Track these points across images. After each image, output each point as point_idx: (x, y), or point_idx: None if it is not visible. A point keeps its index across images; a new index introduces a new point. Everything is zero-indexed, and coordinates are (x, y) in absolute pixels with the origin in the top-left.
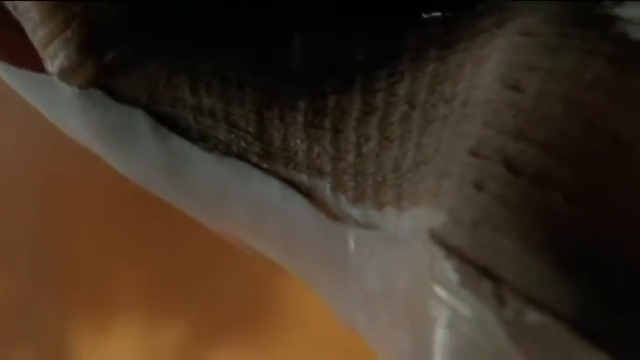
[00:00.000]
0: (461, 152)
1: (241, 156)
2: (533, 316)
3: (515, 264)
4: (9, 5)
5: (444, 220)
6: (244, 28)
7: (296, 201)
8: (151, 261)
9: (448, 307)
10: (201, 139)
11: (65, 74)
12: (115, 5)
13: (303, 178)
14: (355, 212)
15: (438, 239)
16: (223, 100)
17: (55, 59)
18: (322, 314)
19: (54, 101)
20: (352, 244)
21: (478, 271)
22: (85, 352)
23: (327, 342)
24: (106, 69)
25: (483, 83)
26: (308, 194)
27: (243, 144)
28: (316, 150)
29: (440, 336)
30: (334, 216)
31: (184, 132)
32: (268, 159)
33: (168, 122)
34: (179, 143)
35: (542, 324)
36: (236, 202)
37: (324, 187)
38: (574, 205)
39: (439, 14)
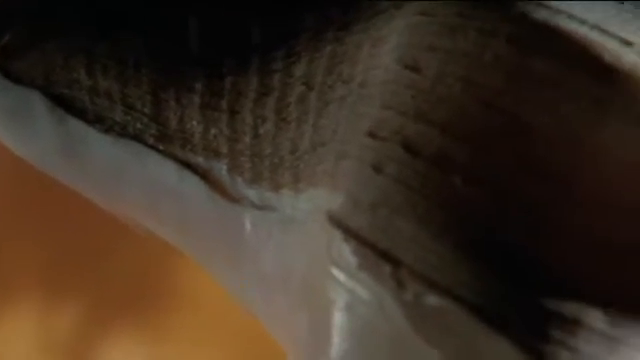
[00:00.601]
0: (359, 134)
1: (137, 138)
2: (432, 300)
3: (414, 247)
4: None
5: (342, 202)
6: (140, 10)
7: (192, 183)
8: (46, 243)
9: (346, 290)
10: (97, 121)
11: None
12: None
13: (199, 160)
14: (252, 194)
15: (336, 221)
16: (119, 82)
17: None
18: (217, 295)
19: None
20: (248, 226)
21: (377, 254)
22: None
23: (222, 323)
24: (2, 51)
25: (381, 64)
26: (204, 176)
27: (139, 126)
28: (213, 132)
29: (338, 319)
30: (230, 198)
31: (80, 114)
32: (164, 141)
33: (64, 104)
34: (75, 125)
35: (441, 308)
36: (132, 184)
37: (220, 169)
38: (473, 187)
39: None
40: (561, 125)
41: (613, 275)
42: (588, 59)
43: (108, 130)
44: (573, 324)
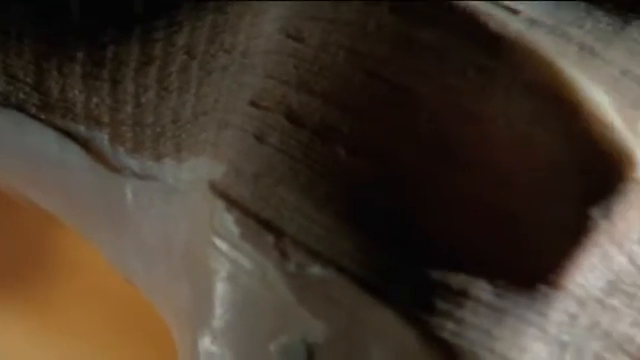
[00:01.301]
0: (241, 103)
1: (19, 107)
2: (316, 270)
3: (297, 217)
4: None
5: (225, 172)
6: None
7: (73, 152)
8: None
9: (229, 260)
10: None
11: None
12: None
13: (81, 129)
14: (133, 163)
15: (218, 191)
16: (2, 52)
17: None
18: (97, 265)
19: None
20: (130, 196)
21: (259, 224)
22: None
23: (102, 293)
24: None
25: (264, 33)
26: (86, 145)
27: (22, 95)
28: (94, 101)
29: (220, 289)
30: (112, 167)
31: None
32: (46, 110)
33: None
34: None
35: (325, 279)
36: (13, 153)
37: (102, 138)
38: (357, 157)
39: None
40: (446, 95)
41: (499, 245)
42: (473, 28)
43: None
44: (459, 295)
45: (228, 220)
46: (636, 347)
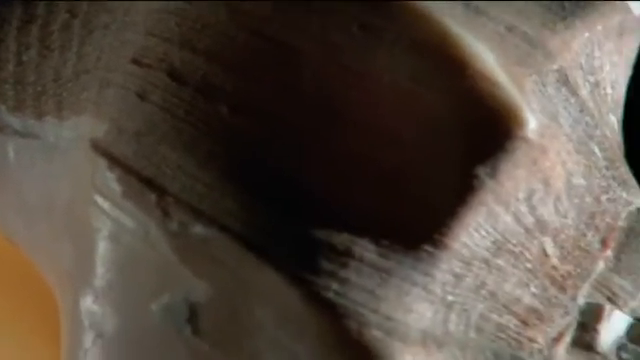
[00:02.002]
0: (123, 61)
1: None
2: (198, 229)
3: (180, 175)
4: None
5: (107, 130)
6: None
7: None
8: None
9: (111, 218)
10: None
11: None
12: None
13: None
14: (15, 121)
15: (100, 149)
16: None
17: None
18: None
19: None
20: (12, 154)
21: (142, 182)
22: None
23: None
24: None
25: None
26: None
27: None
28: None
29: (102, 248)
30: None
31: None
32: None
33: None
34: None
35: (207, 238)
36: None
37: None
38: (240, 115)
39: None
40: (329, 53)
41: (383, 205)
42: None
43: None
44: (343, 255)
45: (110, 178)
46: (523, 308)
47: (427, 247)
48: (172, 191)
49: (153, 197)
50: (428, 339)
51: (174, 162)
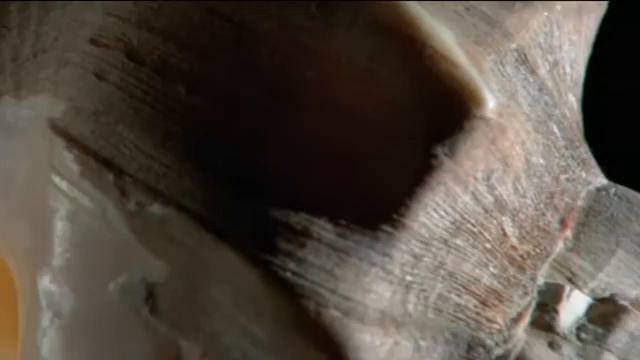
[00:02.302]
0: (81, 41)
1: None
2: (156, 209)
3: (138, 155)
4: None
5: (64, 110)
6: None
7: None
8: None
9: (68, 198)
10: None
11: None
12: None
13: None
14: None
15: (58, 129)
16: None
17: None
18: None
19: None
20: None
21: (99, 162)
22: None
23: None
24: None
25: None
26: None
27: None
28: None
29: (60, 228)
30: None
31: None
32: None
33: None
34: None
35: (165, 217)
36: None
37: None
38: (197, 95)
39: None
40: (286, 32)
41: (341, 184)
42: None
43: None
44: (301, 235)
45: (68, 158)
46: (482, 288)
47: (385, 227)
48: (130, 171)
49: (111, 177)
50: (386, 319)
51: (132, 142)
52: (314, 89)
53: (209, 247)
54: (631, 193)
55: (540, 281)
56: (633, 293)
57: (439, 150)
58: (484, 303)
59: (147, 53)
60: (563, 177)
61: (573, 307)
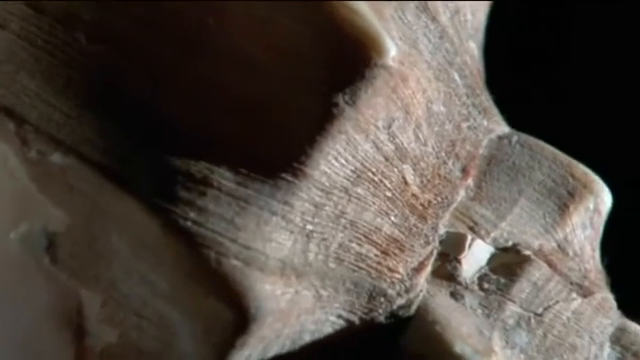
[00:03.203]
0: None
1: None
2: (56, 158)
3: (39, 104)
4: None
5: None
6: None
7: None
8: None
9: None
10: None
11: None
12: None
13: None
14: None
15: None
16: None
17: None
18: None
19: None
20: None
21: (0, 111)
22: None
23: None
24: None
25: None
26: None
27: None
28: None
29: None
30: None
31: None
32: None
33: None
34: None
35: (66, 166)
36: None
37: None
38: (98, 44)
39: None
40: None
41: (241, 133)
42: None
43: None
44: (201, 184)
45: None
46: (383, 237)
47: (286, 176)
48: (31, 120)
49: (12, 126)
50: (287, 269)
51: (32, 91)
52: (214, 37)
53: (109, 196)
54: (533, 141)
55: (442, 230)
56: (536, 243)
57: (340, 98)
58: (385, 252)
59: (49, 3)
60: (464, 125)
61: (475, 257)
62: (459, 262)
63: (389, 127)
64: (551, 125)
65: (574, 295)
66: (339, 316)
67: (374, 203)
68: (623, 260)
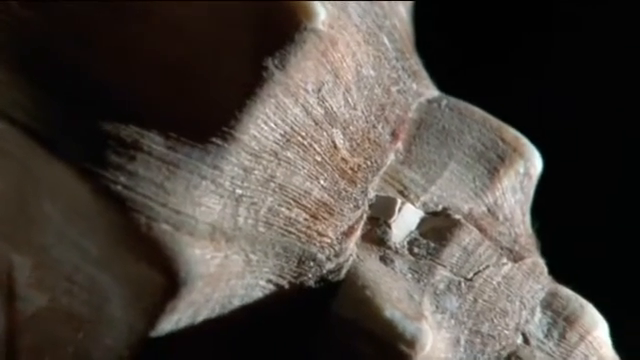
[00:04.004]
0: None
1: None
2: None
3: None
4: None
5: None
6: None
7: None
8: None
9: None
10: None
11: None
12: None
13: None
14: None
15: None
16: None
17: None
18: None
19: None
20: None
21: None
22: None
23: None
24: None
25: None
26: None
27: None
28: None
29: None
30: None
31: None
32: None
33: None
34: None
35: None
36: None
37: None
38: (28, 9)
39: None
40: None
41: (171, 97)
42: None
43: None
44: (131, 148)
45: None
46: (312, 201)
47: (216, 140)
48: None
49: None
50: (217, 233)
51: None
52: (142, 2)
53: (41, 161)
54: (463, 105)
55: (371, 194)
56: (466, 207)
57: (270, 62)
58: (314, 216)
59: None
60: (394, 89)
61: (405, 221)
62: (389, 226)
63: (319, 91)
64: (481, 88)
65: (504, 260)
66: (269, 280)
67: (303, 167)
68: (554, 224)
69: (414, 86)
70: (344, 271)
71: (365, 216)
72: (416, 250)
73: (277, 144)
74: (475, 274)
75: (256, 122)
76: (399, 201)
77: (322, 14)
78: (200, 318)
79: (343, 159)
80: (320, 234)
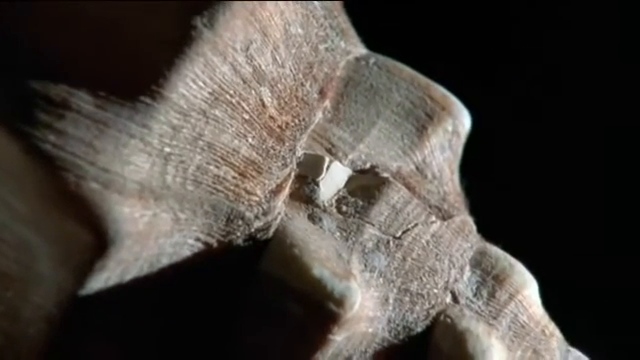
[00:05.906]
0: None
1: None
2: None
3: None
4: None
5: None
6: None
7: None
8: None
9: None
10: None
11: None
12: None
13: None
14: None
15: None
16: None
17: None
18: None
19: None
20: None
21: None
22: None
23: None
24: None
25: None
26: None
27: None
28: None
29: None
30: None
31: None
32: None
33: None
34: None
35: None
36: None
37: None
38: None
39: None
40: None
41: (99, 56)
42: None
43: None
44: (59, 107)
45: None
46: (240, 159)
47: (144, 98)
48: None
49: None
50: (145, 191)
51: None
52: None
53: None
54: (391, 62)
55: (299, 152)
56: (394, 165)
57: (198, 21)
58: (243, 175)
59: None
60: (322, 47)
61: (333, 179)
62: (317, 184)
63: (247, 49)
64: (409, 46)
65: (433, 218)
66: (197, 239)
67: (232, 125)
68: (483, 183)
69: (342, 44)
70: (272, 229)
71: (293, 174)
72: (344, 208)
73: (205, 102)
74: (404, 232)
75: (185, 81)
76: (327, 159)
77: None
78: (129, 277)
79: (271, 117)
80: (248, 192)
